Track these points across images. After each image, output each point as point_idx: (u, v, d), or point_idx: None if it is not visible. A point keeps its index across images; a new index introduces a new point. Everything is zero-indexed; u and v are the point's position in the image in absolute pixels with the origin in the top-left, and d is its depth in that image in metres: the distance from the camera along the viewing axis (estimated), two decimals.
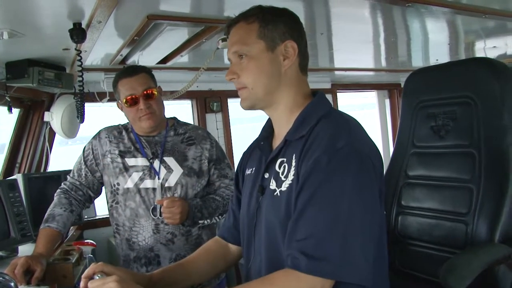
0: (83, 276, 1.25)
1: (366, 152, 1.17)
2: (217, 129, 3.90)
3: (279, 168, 1.28)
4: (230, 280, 2.55)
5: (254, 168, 1.42)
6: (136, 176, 2.05)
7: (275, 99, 1.31)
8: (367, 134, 1.26)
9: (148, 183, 2.05)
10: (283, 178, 1.25)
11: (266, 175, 1.33)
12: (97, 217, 3.46)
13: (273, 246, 1.26)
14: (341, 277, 1.07)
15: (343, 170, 1.12)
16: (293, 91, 1.31)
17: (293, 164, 1.22)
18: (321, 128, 1.21)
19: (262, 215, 1.31)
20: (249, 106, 1.33)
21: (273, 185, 1.28)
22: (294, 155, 1.23)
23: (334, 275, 1.07)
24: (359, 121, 1.29)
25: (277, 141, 1.36)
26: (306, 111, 1.29)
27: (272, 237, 1.27)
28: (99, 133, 2.17)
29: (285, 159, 1.27)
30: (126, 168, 2.06)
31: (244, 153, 1.55)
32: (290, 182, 1.22)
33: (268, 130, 1.42)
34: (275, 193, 1.26)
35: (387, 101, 5.03)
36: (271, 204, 1.27)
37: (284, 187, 1.24)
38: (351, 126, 1.23)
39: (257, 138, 1.47)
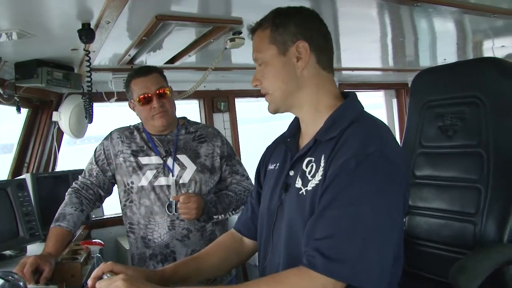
0: (91, 276, 1.26)
1: (395, 159, 1.15)
2: (225, 128, 3.90)
3: (306, 167, 1.27)
4: (238, 279, 2.55)
5: (278, 164, 1.42)
6: (150, 174, 2.08)
7: (297, 101, 1.32)
8: (397, 141, 1.25)
9: (162, 181, 2.08)
10: (309, 178, 1.24)
11: (291, 173, 1.32)
12: (105, 217, 3.47)
13: (293, 244, 1.25)
14: (355, 281, 1.07)
15: (369, 176, 1.12)
16: (314, 90, 1.31)
17: (322, 164, 1.21)
18: (353, 131, 1.20)
19: (284, 212, 1.31)
20: (274, 110, 1.35)
21: (298, 183, 1.27)
22: (323, 155, 1.22)
23: (348, 278, 1.07)
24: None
25: (304, 140, 1.35)
26: (338, 112, 1.28)
27: (293, 235, 1.26)
28: (110, 134, 2.20)
29: (313, 159, 1.26)
30: (140, 167, 2.09)
31: (268, 148, 1.55)
32: (317, 182, 1.21)
33: (295, 127, 1.42)
34: (300, 192, 1.25)
35: (395, 101, 5.00)
36: (296, 202, 1.26)
37: (310, 186, 1.23)
38: (383, 133, 1.22)
39: (283, 134, 1.46)
